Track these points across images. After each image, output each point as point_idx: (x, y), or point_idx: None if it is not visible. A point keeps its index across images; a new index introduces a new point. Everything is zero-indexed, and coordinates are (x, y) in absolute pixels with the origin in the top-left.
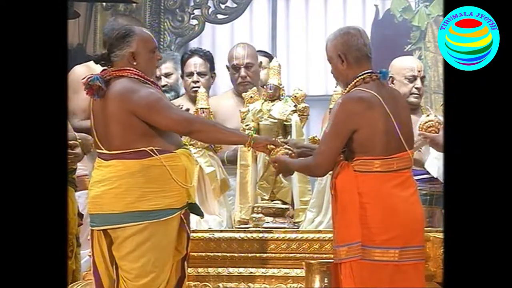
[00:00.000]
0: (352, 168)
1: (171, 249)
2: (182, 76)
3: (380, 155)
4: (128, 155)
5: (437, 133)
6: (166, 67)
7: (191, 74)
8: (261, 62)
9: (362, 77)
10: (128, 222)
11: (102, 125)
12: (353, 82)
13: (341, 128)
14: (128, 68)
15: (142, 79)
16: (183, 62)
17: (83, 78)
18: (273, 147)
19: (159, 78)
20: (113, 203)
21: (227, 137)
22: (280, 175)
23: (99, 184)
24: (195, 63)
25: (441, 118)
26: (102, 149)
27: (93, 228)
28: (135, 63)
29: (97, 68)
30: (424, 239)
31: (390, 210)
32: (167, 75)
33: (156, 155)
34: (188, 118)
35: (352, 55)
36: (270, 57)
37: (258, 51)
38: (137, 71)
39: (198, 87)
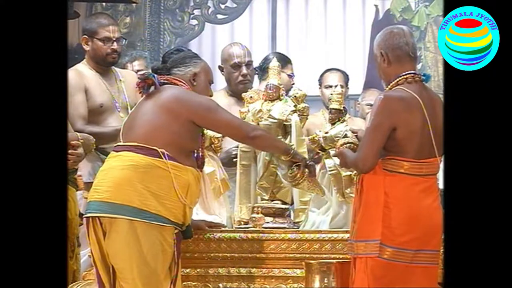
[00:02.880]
0: (381, 167)
1: (163, 261)
2: None
3: (412, 158)
4: (138, 149)
5: None
6: (139, 64)
7: None
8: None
9: (405, 76)
10: (121, 215)
11: (134, 121)
12: (395, 81)
13: (381, 123)
14: (183, 81)
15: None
16: None
17: (140, 72)
18: (295, 171)
19: None
20: (111, 192)
21: (279, 144)
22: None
23: (102, 173)
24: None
25: None
26: (120, 142)
27: (87, 215)
28: (194, 84)
29: (84, 71)
30: (440, 243)
31: (413, 214)
32: (138, 71)
33: (165, 158)
34: (250, 124)
35: (393, 54)
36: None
37: (276, 53)
38: (190, 88)
39: None
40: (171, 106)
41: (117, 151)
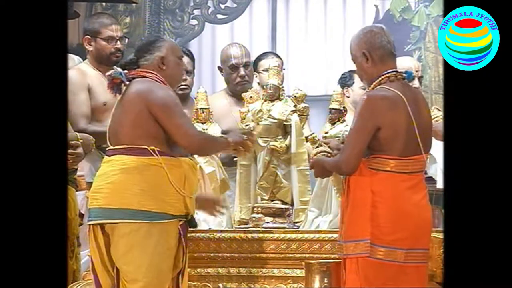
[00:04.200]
0: (367, 165)
1: (168, 257)
2: None
3: (397, 156)
4: (129, 151)
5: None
6: None
7: None
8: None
9: (387, 75)
10: (122, 219)
11: (115, 122)
12: (378, 80)
13: (365, 125)
14: (152, 71)
15: (163, 84)
16: None
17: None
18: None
19: None
20: (109, 197)
21: (219, 147)
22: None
23: (98, 179)
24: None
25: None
26: (109, 146)
27: (89, 222)
28: (164, 67)
29: (87, 70)
30: (430, 242)
31: (401, 212)
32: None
33: (157, 155)
34: (194, 135)
35: (376, 53)
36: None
37: (268, 52)
38: (159, 76)
39: (186, 85)
40: (134, 101)
41: (109, 155)
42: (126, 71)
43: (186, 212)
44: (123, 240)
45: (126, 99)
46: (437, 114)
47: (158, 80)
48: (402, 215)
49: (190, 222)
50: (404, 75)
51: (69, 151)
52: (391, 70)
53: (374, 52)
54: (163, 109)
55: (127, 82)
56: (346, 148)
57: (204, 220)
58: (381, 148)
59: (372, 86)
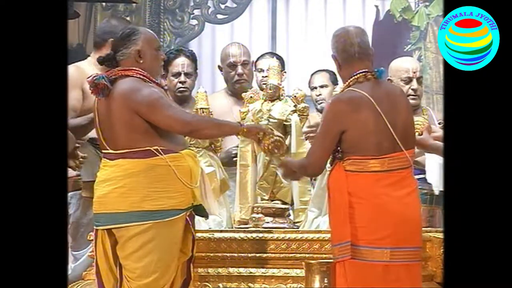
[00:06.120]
0: (343, 168)
1: (175, 250)
2: (164, 76)
3: (371, 155)
4: (133, 154)
5: (420, 134)
6: None
7: (178, 74)
8: (253, 61)
9: (356, 77)
10: (132, 222)
11: (107, 125)
12: (347, 82)
13: (329, 128)
14: (133, 68)
15: (147, 79)
16: (168, 62)
17: (89, 77)
18: (262, 134)
19: None
20: (118, 202)
21: (222, 129)
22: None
23: (104, 184)
24: (183, 63)
25: (434, 119)
26: (107, 149)
27: (98, 228)
28: (141, 61)
29: (86, 68)
30: (421, 240)
31: (379, 210)
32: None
33: (162, 154)
34: (186, 118)
35: (341, 57)
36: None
37: (269, 53)
38: (142, 71)
39: (186, 88)
40: (120, 106)
41: (111, 159)
42: (107, 72)
43: (192, 202)
44: (133, 240)
45: (113, 103)
46: (417, 122)
47: (140, 75)
48: (381, 214)
49: (200, 213)
50: (376, 73)
51: (81, 155)
52: (360, 71)
53: (339, 55)
54: (150, 108)
55: (111, 87)
56: (311, 151)
57: (204, 220)
58: (352, 150)
59: (342, 88)
